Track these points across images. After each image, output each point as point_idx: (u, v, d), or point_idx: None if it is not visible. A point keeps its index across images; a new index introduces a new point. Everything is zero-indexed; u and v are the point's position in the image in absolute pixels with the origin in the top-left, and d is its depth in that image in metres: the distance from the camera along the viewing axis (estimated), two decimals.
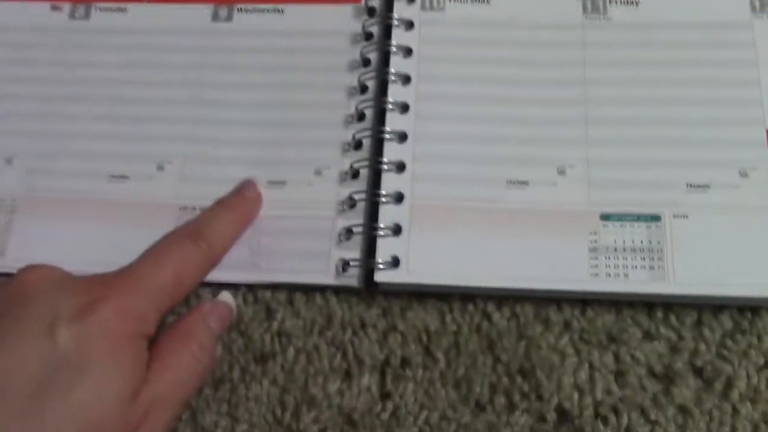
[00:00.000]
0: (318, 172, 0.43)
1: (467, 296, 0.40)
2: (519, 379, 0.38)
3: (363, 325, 0.40)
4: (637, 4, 0.45)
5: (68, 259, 0.41)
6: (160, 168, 0.44)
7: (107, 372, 0.30)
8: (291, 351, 0.39)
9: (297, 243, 0.41)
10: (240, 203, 0.41)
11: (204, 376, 0.35)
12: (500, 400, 0.38)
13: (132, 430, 0.31)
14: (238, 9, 0.48)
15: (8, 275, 0.41)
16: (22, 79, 0.47)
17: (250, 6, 0.48)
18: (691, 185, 0.40)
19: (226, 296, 0.39)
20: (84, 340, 0.30)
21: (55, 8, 0.49)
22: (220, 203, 0.41)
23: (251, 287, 0.41)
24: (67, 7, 0.49)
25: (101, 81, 0.46)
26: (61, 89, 0.46)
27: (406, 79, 0.44)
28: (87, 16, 0.49)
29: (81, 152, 0.45)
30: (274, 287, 0.41)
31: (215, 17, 0.48)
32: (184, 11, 0.48)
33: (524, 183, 0.41)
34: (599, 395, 0.37)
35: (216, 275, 0.40)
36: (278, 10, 0.47)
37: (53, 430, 0.28)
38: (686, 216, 0.40)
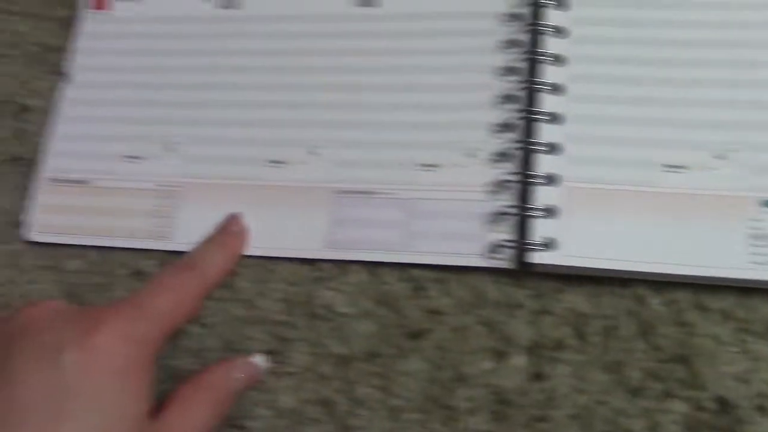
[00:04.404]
0: (470, 154, 0.43)
1: (621, 280, 0.39)
2: (675, 366, 0.37)
3: (514, 306, 0.40)
4: None
5: None
6: (312, 153, 0.45)
7: (117, 396, 0.31)
8: (443, 328, 0.40)
9: (449, 225, 0.42)
10: (226, 238, 0.43)
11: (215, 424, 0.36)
12: (656, 386, 0.37)
13: None
14: None
15: (176, 253, 0.44)
16: (180, 68, 0.49)
17: None
18: None
19: (259, 360, 0.39)
20: (90, 366, 0.31)
21: None
22: (208, 240, 0.43)
23: (402, 264, 0.42)
24: None
25: (253, 69, 0.48)
26: (217, 77, 0.48)
27: (559, 60, 0.43)
28: (238, 4, 0.50)
29: (237, 139, 0.46)
30: (425, 265, 0.41)
31: (360, 2, 0.48)
32: None
33: (682, 167, 0.40)
34: (761, 386, 0.36)
35: (370, 255, 0.42)
36: None
37: None
38: None
